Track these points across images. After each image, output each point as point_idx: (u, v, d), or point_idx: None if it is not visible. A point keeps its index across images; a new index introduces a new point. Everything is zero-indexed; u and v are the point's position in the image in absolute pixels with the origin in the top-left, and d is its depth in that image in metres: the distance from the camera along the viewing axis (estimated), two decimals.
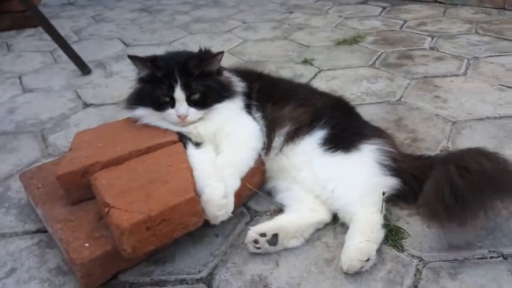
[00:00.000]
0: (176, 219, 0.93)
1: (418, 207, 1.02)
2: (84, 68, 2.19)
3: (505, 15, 2.94)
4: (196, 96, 1.13)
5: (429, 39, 2.52)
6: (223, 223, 1.04)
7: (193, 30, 2.96)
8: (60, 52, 2.29)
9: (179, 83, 1.11)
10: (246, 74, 1.31)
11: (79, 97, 1.96)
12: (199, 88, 1.13)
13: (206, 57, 1.18)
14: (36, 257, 1.05)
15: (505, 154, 1.34)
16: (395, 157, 1.11)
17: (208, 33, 2.89)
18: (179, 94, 1.12)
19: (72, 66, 2.21)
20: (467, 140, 1.44)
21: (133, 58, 1.16)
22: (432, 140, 1.46)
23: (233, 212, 1.04)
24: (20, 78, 2.20)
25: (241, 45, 2.59)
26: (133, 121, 1.21)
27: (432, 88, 1.86)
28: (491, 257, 0.97)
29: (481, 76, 1.96)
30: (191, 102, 1.13)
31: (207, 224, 1.03)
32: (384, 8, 3.31)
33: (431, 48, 2.36)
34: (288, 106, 1.20)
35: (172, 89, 1.11)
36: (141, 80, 1.19)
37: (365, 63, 2.20)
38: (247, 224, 1.12)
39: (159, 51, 1.95)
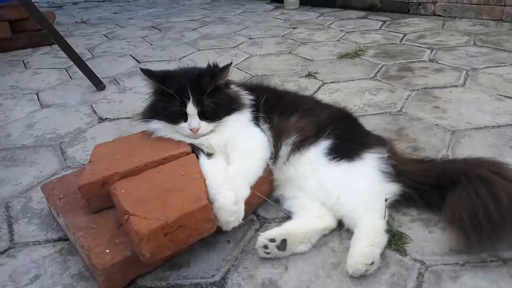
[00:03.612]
0: (191, 225, 0.99)
1: (445, 221, 1.07)
2: (98, 84, 2.28)
3: (502, 26, 3.02)
4: (207, 110, 1.20)
5: (428, 51, 2.59)
6: (234, 229, 1.10)
7: (201, 46, 3.07)
8: (75, 69, 2.40)
9: (191, 100, 1.18)
10: (253, 88, 1.38)
11: (94, 112, 2.04)
12: (210, 103, 1.20)
13: (215, 72, 1.24)
14: (59, 264, 1.11)
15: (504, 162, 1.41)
16: (395, 163, 1.17)
17: (215, 49, 2.99)
18: (191, 109, 1.19)
19: (87, 82, 2.31)
20: (467, 149, 1.49)
21: (145, 72, 1.22)
22: (432, 149, 1.51)
23: (243, 219, 1.10)
24: (37, 94, 2.30)
25: (247, 60, 2.68)
26: (148, 134, 1.29)
27: (431, 99, 1.93)
28: (491, 261, 1.01)
29: (480, 86, 2.02)
30: (202, 116, 1.20)
31: (219, 231, 1.09)
32: (384, 22, 3.41)
33: (431, 60, 2.43)
34: (294, 117, 1.26)
35: (184, 105, 1.18)
36: (155, 93, 1.27)
37: (366, 75, 2.28)
38: (257, 230, 1.18)
39: (170, 67, 2.04)
